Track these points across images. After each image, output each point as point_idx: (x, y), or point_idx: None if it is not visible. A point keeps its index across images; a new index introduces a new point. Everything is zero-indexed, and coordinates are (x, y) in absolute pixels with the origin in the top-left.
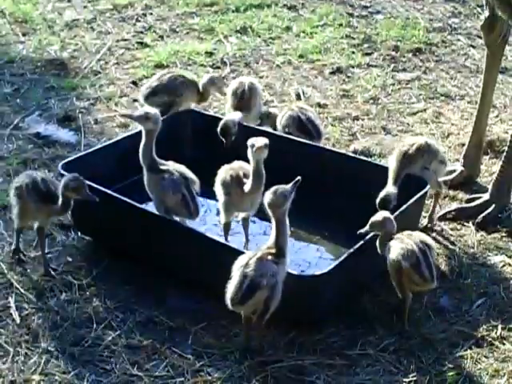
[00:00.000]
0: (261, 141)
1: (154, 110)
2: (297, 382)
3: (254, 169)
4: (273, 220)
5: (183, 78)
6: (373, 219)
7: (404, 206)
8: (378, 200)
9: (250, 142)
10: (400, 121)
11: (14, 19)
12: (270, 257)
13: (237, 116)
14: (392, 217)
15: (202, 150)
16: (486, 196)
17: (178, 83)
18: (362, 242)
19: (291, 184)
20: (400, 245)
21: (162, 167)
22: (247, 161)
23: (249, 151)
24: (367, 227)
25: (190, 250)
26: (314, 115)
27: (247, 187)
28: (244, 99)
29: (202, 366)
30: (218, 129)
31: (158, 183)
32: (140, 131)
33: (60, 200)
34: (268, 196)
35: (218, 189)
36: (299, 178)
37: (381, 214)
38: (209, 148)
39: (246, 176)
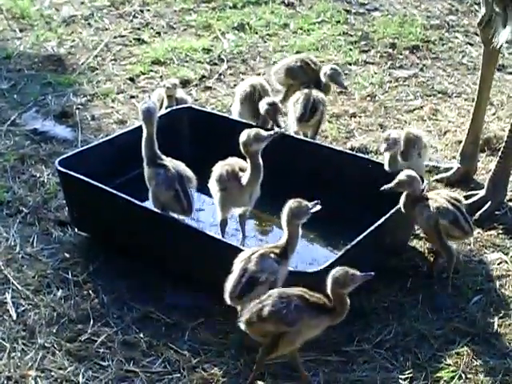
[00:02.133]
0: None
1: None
2: (293, 379)
3: (251, 161)
4: (285, 230)
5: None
6: (400, 177)
7: (398, 206)
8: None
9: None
10: (397, 118)
11: (11, 15)
12: (272, 255)
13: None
14: (418, 177)
15: (200, 147)
16: (482, 193)
17: None
18: (358, 238)
19: (312, 204)
20: (435, 204)
21: (160, 162)
22: (244, 158)
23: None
24: (393, 185)
25: (188, 247)
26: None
27: (245, 180)
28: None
29: (198, 363)
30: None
31: (153, 178)
32: (137, 127)
33: None
34: (291, 206)
35: (213, 185)
36: (319, 201)
37: (407, 173)
38: (207, 144)
39: (242, 170)
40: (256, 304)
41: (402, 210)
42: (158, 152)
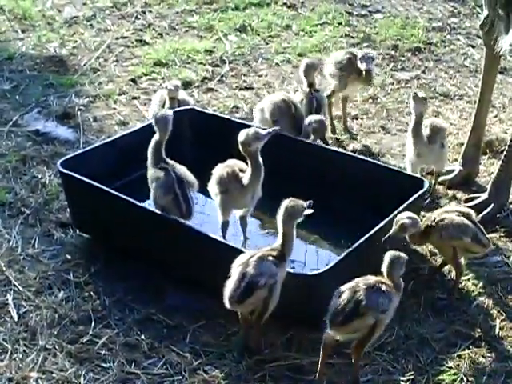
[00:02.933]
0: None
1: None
2: (295, 381)
3: (251, 161)
4: (280, 230)
5: None
6: (401, 221)
7: (402, 207)
8: None
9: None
10: (399, 120)
11: (13, 16)
12: (270, 257)
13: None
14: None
15: (202, 148)
16: (484, 195)
17: None
18: (360, 241)
19: (307, 204)
20: (453, 222)
21: (162, 165)
22: (244, 160)
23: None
24: (395, 231)
25: (189, 249)
26: None
27: (246, 180)
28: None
29: (199, 365)
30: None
31: (154, 180)
32: (139, 129)
33: None
34: (287, 205)
35: (213, 188)
36: (311, 201)
37: (408, 215)
38: (209, 146)
39: (242, 171)
40: (341, 304)
41: (414, 246)
42: (164, 156)
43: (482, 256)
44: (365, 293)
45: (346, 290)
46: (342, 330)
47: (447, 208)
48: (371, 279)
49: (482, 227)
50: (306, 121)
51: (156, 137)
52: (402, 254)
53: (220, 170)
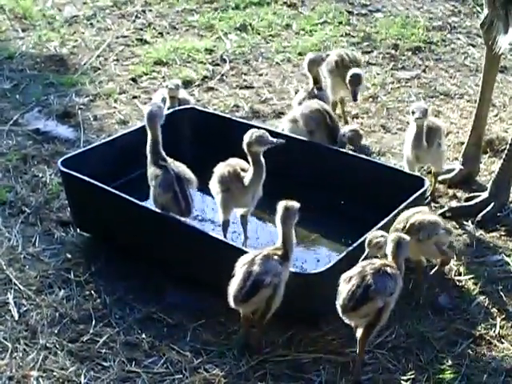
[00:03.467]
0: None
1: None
2: (295, 380)
3: (253, 161)
4: (280, 231)
5: None
6: (371, 245)
7: (402, 206)
8: None
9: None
10: (399, 119)
11: (13, 15)
12: (276, 256)
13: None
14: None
15: (203, 147)
16: (484, 194)
17: None
18: (361, 239)
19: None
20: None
21: (161, 163)
22: (245, 159)
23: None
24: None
25: (189, 247)
26: None
27: (247, 180)
28: None
29: (200, 363)
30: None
31: (153, 178)
32: (139, 128)
33: None
34: (283, 207)
35: (215, 186)
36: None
37: (376, 237)
38: (209, 145)
39: (243, 171)
40: (350, 288)
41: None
42: (163, 153)
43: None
44: (373, 277)
45: (353, 275)
46: (353, 315)
47: (417, 209)
48: (376, 263)
49: None
50: (342, 131)
51: (148, 135)
52: (406, 236)
53: (221, 169)
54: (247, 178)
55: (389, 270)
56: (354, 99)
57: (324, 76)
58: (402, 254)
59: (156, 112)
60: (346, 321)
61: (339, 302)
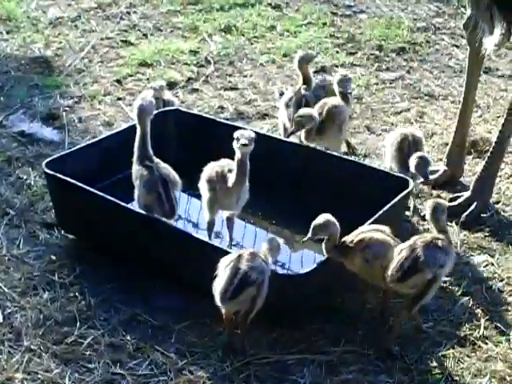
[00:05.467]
0: (247, 135)
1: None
2: (280, 381)
3: (238, 163)
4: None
5: None
6: (314, 222)
7: (387, 207)
8: None
9: (236, 134)
10: (384, 120)
11: None
12: (261, 255)
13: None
14: (334, 220)
15: (187, 149)
16: (467, 194)
17: None
18: (342, 240)
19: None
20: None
21: (147, 163)
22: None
23: (234, 143)
24: (310, 233)
25: (174, 249)
26: None
27: (230, 181)
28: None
29: (185, 365)
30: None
31: (137, 178)
32: (124, 129)
33: None
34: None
35: (203, 185)
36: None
37: (323, 217)
38: (194, 146)
39: (230, 172)
40: (399, 260)
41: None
42: (150, 152)
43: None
44: (422, 250)
45: (404, 247)
46: (400, 285)
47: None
48: (428, 236)
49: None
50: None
51: (137, 130)
52: (443, 201)
53: (210, 169)
54: (230, 179)
55: (439, 242)
56: None
57: None
58: (440, 217)
59: (146, 106)
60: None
61: (387, 272)
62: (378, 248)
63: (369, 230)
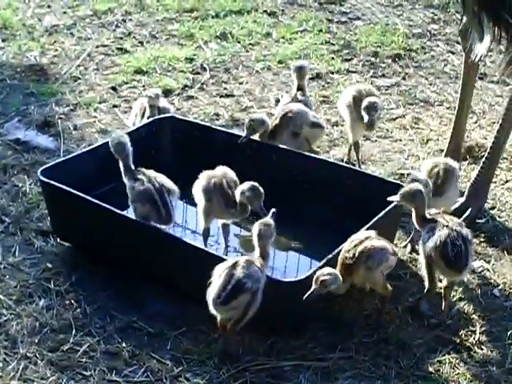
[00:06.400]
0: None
1: (120, 138)
2: None
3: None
4: (257, 248)
5: None
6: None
7: (382, 213)
8: None
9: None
10: (379, 127)
11: None
12: (257, 263)
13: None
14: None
15: (182, 156)
16: (462, 199)
17: None
18: (338, 248)
19: (270, 217)
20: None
21: (137, 176)
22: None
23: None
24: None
25: (170, 256)
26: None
27: (234, 216)
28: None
29: (180, 372)
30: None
31: (130, 192)
32: None
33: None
34: (257, 236)
35: (199, 195)
36: (274, 210)
37: (324, 272)
38: (189, 154)
39: (229, 184)
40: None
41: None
42: (133, 167)
43: None
44: None
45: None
46: None
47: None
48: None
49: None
50: None
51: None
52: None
53: (207, 179)
54: (234, 213)
55: None
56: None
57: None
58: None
59: (125, 141)
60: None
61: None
62: (380, 255)
63: (361, 240)
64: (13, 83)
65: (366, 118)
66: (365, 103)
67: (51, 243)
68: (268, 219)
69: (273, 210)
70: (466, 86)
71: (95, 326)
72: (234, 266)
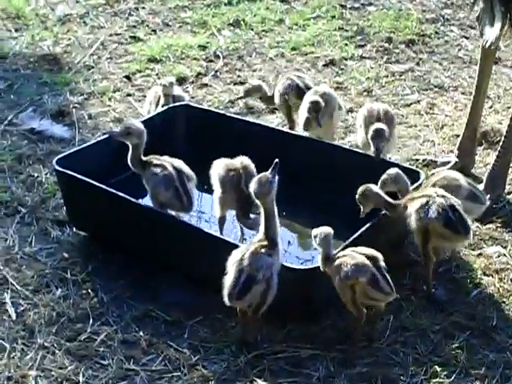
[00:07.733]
0: None
1: (136, 124)
2: (293, 375)
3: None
4: (262, 210)
5: None
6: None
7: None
8: None
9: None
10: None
11: (6, 15)
12: (263, 250)
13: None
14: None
15: (197, 144)
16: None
17: None
18: (356, 234)
19: (271, 169)
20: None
21: (155, 162)
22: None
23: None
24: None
25: (185, 244)
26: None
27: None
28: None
29: (198, 360)
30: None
31: (150, 179)
32: None
33: None
34: (254, 187)
35: (216, 183)
36: (277, 160)
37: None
38: (204, 142)
39: (246, 175)
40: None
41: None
42: (144, 158)
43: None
44: None
45: None
46: None
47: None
48: None
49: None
50: None
51: (130, 151)
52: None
53: (225, 169)
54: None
55: None
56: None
57: None
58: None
59: (143, 130)
60: None
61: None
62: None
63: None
64: (26, 73)
65: (373, 148)
66: (371, 132)
67: (67, 233)
68: (265, 173)
69: (276, 160)
70: (483, 72)
71: (112, 315)
72: (241, 259)
